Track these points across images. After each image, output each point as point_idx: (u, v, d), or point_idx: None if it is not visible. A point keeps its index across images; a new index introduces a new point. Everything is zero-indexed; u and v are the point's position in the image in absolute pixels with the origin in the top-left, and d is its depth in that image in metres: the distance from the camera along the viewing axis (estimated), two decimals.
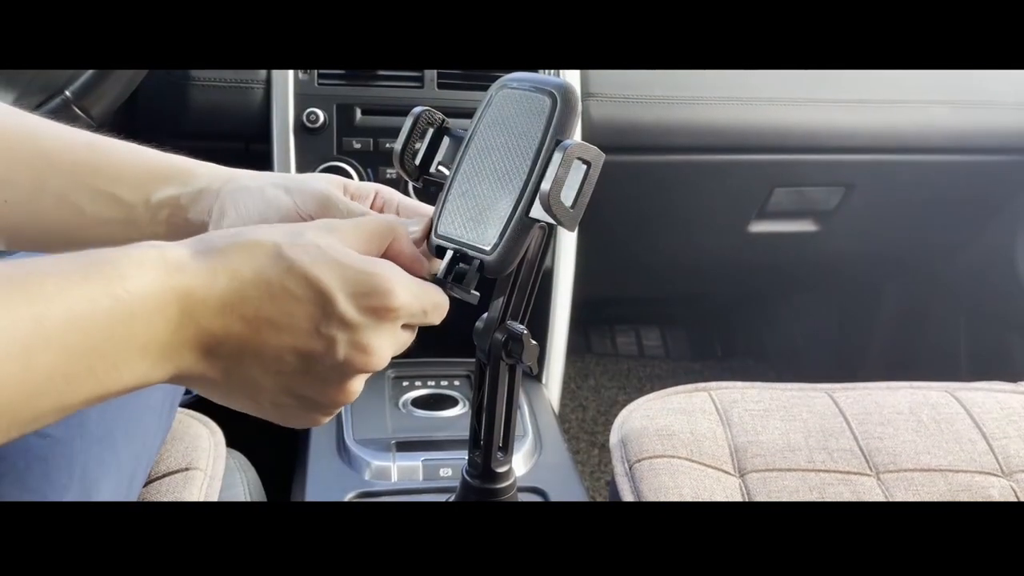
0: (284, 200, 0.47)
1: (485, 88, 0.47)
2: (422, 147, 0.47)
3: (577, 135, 1.02)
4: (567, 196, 0.42)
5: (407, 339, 0.43)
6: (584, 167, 0.42)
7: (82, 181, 0.48)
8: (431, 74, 0.97)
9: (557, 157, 0.41)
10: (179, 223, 0.49)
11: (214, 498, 0.67)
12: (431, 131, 0.47)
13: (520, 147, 0.44)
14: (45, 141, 0.49)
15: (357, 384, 0.41)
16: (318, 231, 0.41)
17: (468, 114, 0.48)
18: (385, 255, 0.43)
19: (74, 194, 0.48)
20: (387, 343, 0.41)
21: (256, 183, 0.48)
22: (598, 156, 0.42)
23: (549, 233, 0.45)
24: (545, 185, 0.41)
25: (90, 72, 0.75)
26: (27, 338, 0.32)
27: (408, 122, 0.46)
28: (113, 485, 0.58)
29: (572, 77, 1.02)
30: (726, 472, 0.78)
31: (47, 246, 0.49)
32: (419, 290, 0.42)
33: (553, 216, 0.42)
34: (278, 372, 0.39)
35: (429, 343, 1.10)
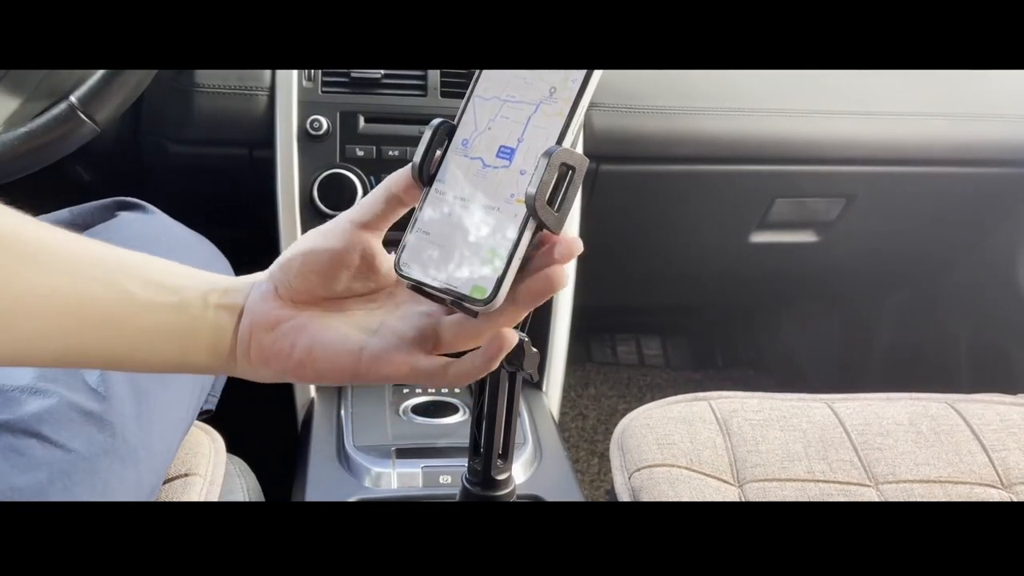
0: (320, 225, 0.47)
1: None
2: (435, 157, 0.48)
3: (579, 144, 1.02)
4: (552, 200, 0.43)
5: None
6: (569, 172, 0.43)
7: (133, 272, 0.45)
8: (434, 82, 0.98)
9: (542, 162, 0.42)
10: (215, 316, 0.45)
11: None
12: (447, 141, 0.48)
13: None
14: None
15: None
16: None
17: None
18: None
19: (124, 281, 0.44)
20: None
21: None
22: (583, 161, 0.43)
23: None
24: (530, 189, 0.42)
25: (96, 77, 0.75)
26: None
27: (427, 133, 0.47)
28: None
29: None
30: (725, 481, 0.78)
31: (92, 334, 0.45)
32: None
33: (538, 219, 0.43)
34: None
35: None
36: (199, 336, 0.45)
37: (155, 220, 0.73)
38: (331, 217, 0.96)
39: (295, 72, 0.97)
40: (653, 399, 0.88)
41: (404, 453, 0.87)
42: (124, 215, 0.72)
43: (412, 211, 0.47)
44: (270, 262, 0.91)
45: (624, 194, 1.18)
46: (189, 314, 0.45)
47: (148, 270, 0.45)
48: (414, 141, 0.47)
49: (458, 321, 0.45)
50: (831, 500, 0.75)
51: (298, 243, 0.46)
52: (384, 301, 0.47)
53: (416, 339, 0.44)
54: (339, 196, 0.96)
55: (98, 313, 0.43)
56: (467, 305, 0.44)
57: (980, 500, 0.76)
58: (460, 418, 0.95)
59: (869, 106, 1.13)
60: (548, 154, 0.42)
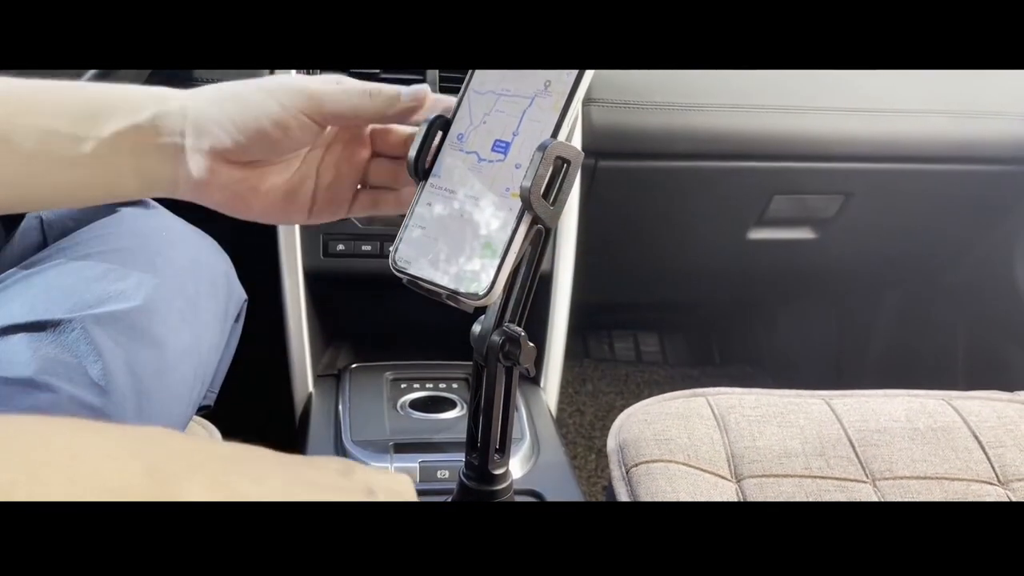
0: (270, 105, 0.47)
1: None
2: (431, 152, 0.48)
3: (576, 138, 1.02)
4: (548, 193, 0.43)
5: None
6: (564, 166, 0.43)
7: (18, 122, 0.47)
8: (433, 77, 0.98)
9: (537, 156, 0.42)
10: (149, 151, 0.48)
11: None
12: (443, 136, 0.48)
13: None
14: None
15: None
16: None
17: None
18: None
19: (15, 136, 0.46)
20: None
21: (230, 93, 0.48)
22: (577, 155, 0.43)
23: (547, 236, 0.45)
24: (525, 183, 0.42)
25: (91, 74, 0.75)
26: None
27: (423, 128, 0.47)
28: None
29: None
30: (723, 477, 0.78)
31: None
32: None
33: (533, 213, 0.43)
34: None
35: (428, 346, 1.11)
36: (123, 180, 0.49)
37: (156, 215, 0.73)
38: None
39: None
40: (650, 395, 0.88)
41: (402, 448, 0.87)
42: (126, 210, 0.72)
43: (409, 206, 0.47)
44: (270, 258, 0.91)
45: (623, 190, 1.18)
46: (105, 166, 0.48)
47: (35, 116, 0.47)
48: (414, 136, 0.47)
49: (384, 168, 0.51)
50: (828, 496, 0.76)
51: (249, 119, 0.47)
52: (316, 141, 0.51)
53: (351, 186, 0.51)
54: None
55: (15, 173, 0.47)
56: (463, 299, 0.44)
57: (977, 497, 0.77)
58: (457, 413, 0.95)
59: (868, 103, 1.13)
60: (543, 148, 0.42)
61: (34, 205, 0.51)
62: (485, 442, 0.52)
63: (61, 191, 0.49)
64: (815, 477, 0.78)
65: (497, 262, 0.43)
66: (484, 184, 0.45)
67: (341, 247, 0.99)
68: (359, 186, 0.53)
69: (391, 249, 0.46)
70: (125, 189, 0.50)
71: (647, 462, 0.78)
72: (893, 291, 1.59)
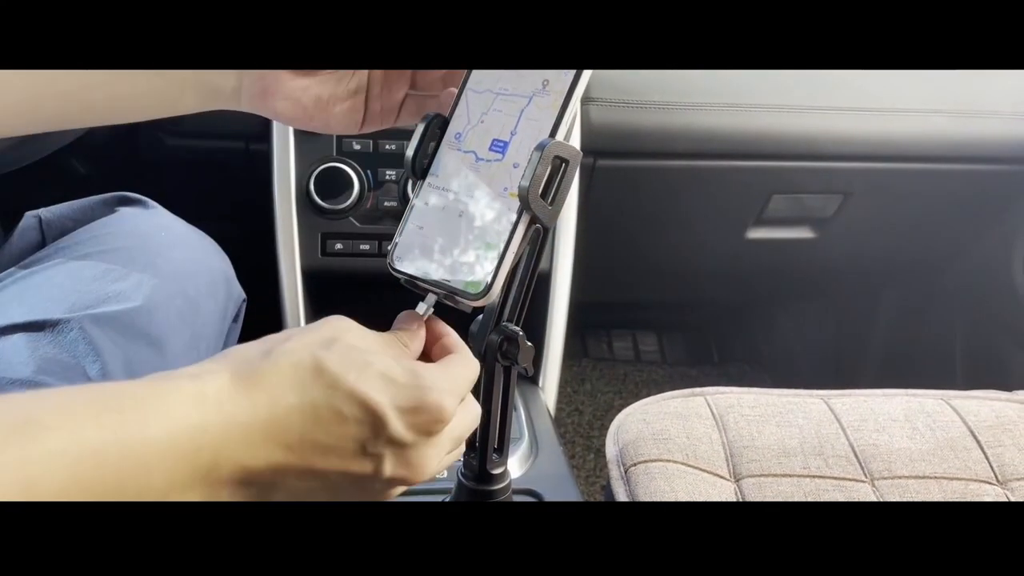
0: None
1: None
2: (430, 150, 0.48)
3: (575, 137, 1.02)
4: (546, 193, 0.43)
5: (455, 456, 0.44)
6: (562, 165, 0.43)
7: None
8: None
9: (535, 156, 0.42)
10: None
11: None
12: (440, 135, 0.48)
13: None
14: None
15: (398, 491, 0.41)
16: (356, 333, 0.41)
17: None
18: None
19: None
20: (435, 459, 0.40)
21: None
22: (576, 155, 0.43)
23: (545, 235, 0.45)
24: (523, 183, 0.42)
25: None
26: (18, 493, 0.29)
27: (420, 127, 0.47)
28: None
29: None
30: (721, 477, 0.78)
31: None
32: (469, 404, 0.43)
33: (532, 212, 0.43)
34: (318, 488, 0.38)
35: None
36: (183, 94, 0.50)
37: (156, 215, 0.73)
38: (329, 212, 0.96)
39: None
40: (649, 395, 0.88)
41: None
42: (125, 210, 0.72)
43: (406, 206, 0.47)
44: (268, 258, 0.91)
45: (621, 189, 1.17)
46: (165, 78, 0.49)
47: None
48: (411, 135, 0.47)
49: (430, 72, 0.52)
50: (827, 496, 0.76)
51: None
52: None
53: (400, 92, 0.52)
54: (336, 189, 0.96)
55: (74, 84, 0.48)
56: (460, 299, 0.44)
57: (975, 496, 0.77)
58: None
59: (866, 102, 1.13)
60: (541, 147, 0.42)
61: (93, 118, 0.52)
62: (483, 441, 0.52)
63: (120, 103, 0.50)
64: (814, 476, 0.78)
65: (495, 262, 0.43)
66: (482, 183, 0.45)
67: (339, 246, 0.98)
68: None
69: (389, 248, 0.46)
70: (186, 102, 0.50)
71: (645, 461, 0.78)
72: (891, 290, 1.59)
